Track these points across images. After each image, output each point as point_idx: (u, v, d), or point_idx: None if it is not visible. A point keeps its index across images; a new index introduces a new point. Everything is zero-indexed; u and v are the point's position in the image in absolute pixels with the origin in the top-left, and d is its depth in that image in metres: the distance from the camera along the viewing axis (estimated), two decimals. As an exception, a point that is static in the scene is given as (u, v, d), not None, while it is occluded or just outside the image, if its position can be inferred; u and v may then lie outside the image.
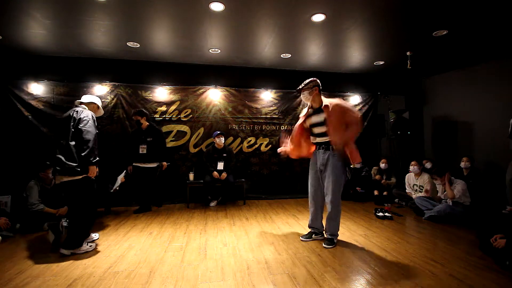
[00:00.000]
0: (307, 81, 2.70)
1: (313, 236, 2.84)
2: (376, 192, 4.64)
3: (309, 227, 2.92)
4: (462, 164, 4.27)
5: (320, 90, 2.71)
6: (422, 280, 1.99)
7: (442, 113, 5.54)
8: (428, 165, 4.55)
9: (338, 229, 2.74)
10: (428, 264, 2.26)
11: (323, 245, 2.65)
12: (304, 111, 2.86)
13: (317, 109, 2.69)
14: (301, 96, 2.78)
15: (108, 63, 4.66)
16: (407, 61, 4.42)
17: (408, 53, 4.37)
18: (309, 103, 2.77)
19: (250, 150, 5.18)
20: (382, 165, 4.89)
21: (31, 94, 4.31)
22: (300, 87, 2.73)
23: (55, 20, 3.30)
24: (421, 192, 4.12)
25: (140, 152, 4.08)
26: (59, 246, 2.51)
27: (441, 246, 2.68)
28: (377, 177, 4.88)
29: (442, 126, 5.55)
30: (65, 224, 3.06)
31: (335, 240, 2.70)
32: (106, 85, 4.62)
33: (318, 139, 2.72)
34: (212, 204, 4.50)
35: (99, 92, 4.58)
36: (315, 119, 2.69)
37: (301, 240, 2.82)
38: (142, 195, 4.20)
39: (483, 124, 4.78)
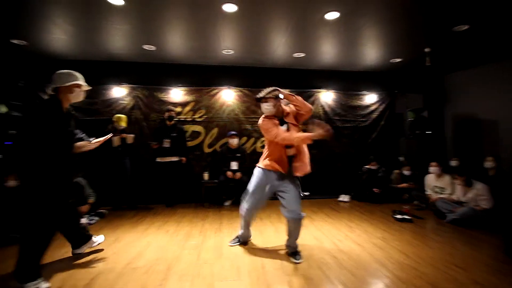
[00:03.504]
0: (270, 89, 2.32)
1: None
2: (406, 196, 4.64)
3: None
4: (487, 164, 4.07)
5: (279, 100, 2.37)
6: (443, 285, 1.92)
7: (465, 111, 5.30)
8: (454, 163, 4.38)
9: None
10: (450, 269, 2.17)
11: (295, 260, 2.31)
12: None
13: (281, 120, 2.37)
14: (262, 107, 2.37)
15: (126, 66, 4.81)
16: (426, 58, 4.28)
17: (426, 50, 4.22)
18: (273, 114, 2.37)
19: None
20: (406, 172, 4.75)
21: (54, 97, 4.51)
22: (261, 95, 2.33)
23: (76, 25, 3.44)
24: (442, 194, 3.97)
25: (164, 145, 4.34)
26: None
27: (464, 250, 2.57)
28: (404, 185, 4.71)
29: (464, 125, 5.31)
30: (86, 221, 3.19)
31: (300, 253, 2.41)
32: (124, 87, 4.77)
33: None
34: (227, 203, 4.54)
35: (118, 94, 4.74)
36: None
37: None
38: (166, 190, 4.51)
39: (509, 122, 4.55)
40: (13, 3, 2.90)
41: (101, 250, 2.56)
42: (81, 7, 3.01)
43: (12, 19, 3.25)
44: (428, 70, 5.20)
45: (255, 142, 5.15)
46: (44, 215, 1.92)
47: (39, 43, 3.93)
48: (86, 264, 2.27)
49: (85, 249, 2.46)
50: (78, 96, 2.15)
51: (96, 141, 2.40)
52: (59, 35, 3.69)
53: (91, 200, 3.61)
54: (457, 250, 2.58)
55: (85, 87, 2.20)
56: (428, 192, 4.21)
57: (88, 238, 2.46)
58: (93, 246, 2.51)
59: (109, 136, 2.56)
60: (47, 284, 1.89)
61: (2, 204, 2.82)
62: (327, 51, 4.44)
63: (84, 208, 3.43)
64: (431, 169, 4.15)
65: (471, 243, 2.75)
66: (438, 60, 4.74)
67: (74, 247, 2.43)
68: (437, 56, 4.54)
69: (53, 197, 1.96)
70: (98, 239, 2.56)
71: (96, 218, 3.54)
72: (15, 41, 3.82)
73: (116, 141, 4.13)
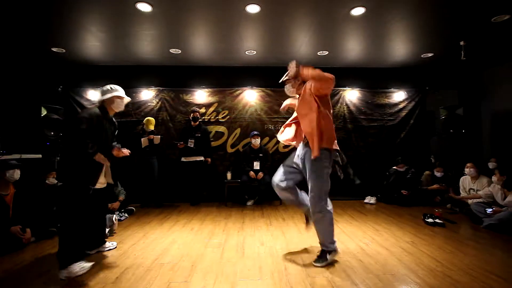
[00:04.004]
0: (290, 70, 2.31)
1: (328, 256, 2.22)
2: (438, 199, 4.43)
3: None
4: (531, 166, 3.73)
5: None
6: (480, 295, 1.78)
7: (507, 108, 4.88)
8: (492, 164, 4.07)
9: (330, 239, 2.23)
10: (488, 278, 2.01)
11: (316, 263, 2.19)
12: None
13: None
14: (285, 89, 2.41)
15: (153, 70, 5.03)
16: (461, 52, 4.00)
17: (461, 43, 3.95)
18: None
19: (286, 150, 5.14)
20: (438, 174, 4.50)
21: (88, 100, 4.83)
22: (284, 78, 2.34)
23: (107, 32, 3.66)
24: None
25: (188, 145, 4.47)
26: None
27: (504, 258, 2.38)
28: (435, 186, 4.49)
29: (506, 122, 4.89)
30: (117, 217, 3.36)
31: (327, 256, 2.21)
32: (151, 90, 4.99)
33: None
34: (249, 203, 4.57)
35: (146, 96, 4.97)
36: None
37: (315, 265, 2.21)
38: (191, 189, 4.64)
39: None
40: (53, 15, 3.15)
41: (132, 245, 2.69)
42: (112, 14, 3.20)
43: (53, 30, 3.53)
44: (463, 64, 4.85)
45: (277, 142, 5.13)
46: (80, 206, 2.14)
47: (76, 50, 4.22)
48: (117, 259, 2.40)
49: (95, 251, 2.47)
50: (119, 106, 2.47)
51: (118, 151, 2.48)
52: (93, 42, 3.94)
53: (122, 197, 3.82)
54: (495, 257, 2.39)
55: (126, 98, 2.49)
56: (463, 195, 3.95)
57: (103, 242, 2.55)
58: (103, 251, 2.52)
59: (127, 152, 2.53)
60: (90, 263, 2.08)
61: (42, 200, 3.07)
62: (353, 48, 4.31)
63: (115, 205, 3.63)
64: (466, 170, 3.88)
65: (511, 250, 2.54)
66: (474, 54, 4.41)
67: (88, 247, 2.44)
68: (473, 50, 4.23)
69: (88, 191, 2.19)
70: (110, 245, 2.59)
71: (126, 215, 3.73)
72: (55, 49, 4.14)
73: (144, 142, 4.32)
